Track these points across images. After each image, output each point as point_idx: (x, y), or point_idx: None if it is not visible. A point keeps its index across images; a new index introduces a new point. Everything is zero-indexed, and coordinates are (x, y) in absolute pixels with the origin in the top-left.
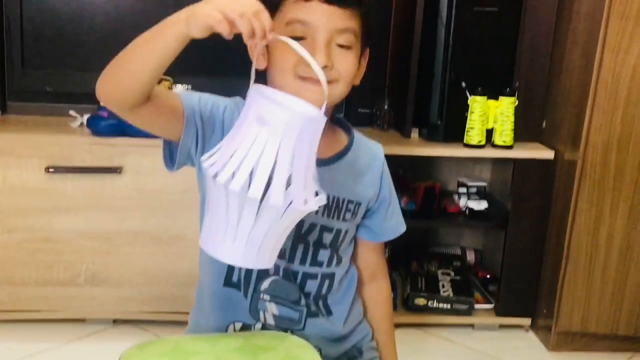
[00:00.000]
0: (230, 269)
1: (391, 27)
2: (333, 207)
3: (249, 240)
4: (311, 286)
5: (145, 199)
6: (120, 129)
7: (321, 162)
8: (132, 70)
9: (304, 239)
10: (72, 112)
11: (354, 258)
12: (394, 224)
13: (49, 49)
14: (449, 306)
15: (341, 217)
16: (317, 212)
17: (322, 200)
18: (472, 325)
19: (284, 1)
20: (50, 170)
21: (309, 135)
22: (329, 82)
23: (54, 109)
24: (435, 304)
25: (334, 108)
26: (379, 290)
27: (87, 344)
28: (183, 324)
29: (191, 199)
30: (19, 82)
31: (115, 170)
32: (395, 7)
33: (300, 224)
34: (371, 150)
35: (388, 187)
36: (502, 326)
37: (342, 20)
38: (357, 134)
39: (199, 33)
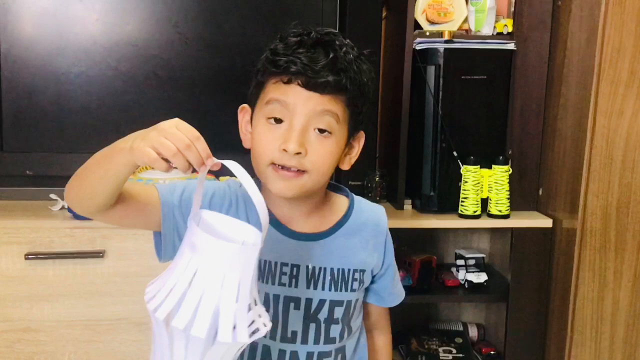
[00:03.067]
0: None
1: (379, 98)
2: (339, 279)
3: None
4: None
5: (128, 284)
6: None
7: (320, 236)
8: (91, 186)
9: (314, 318)
10: (52, 196)
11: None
12: (399, 290)
13: (29, 131)
14: None
15: (349, 288)
16: (324, 287)
17: (263, 323)
18: None
19: (267, 81)
20: (30, 256)
21: (241, 263)
22: (301, 172)
23: (34, 192)
24: None
25: (324, 188)
26: (378, 338)
27: None
28: None
29: None
30: None
31: (97, 254)
32: (383, 78)
33: (308, 303)
34: (375, 213)
35: (392, 250)
36: None
37: (321, 103)
38: (357, 197)
39: (141, 163)
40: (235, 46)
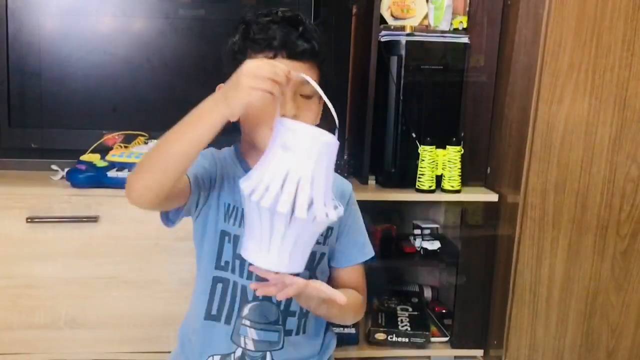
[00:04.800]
0: (210, 302)
1: (349, 85)
2: None
3: (281, 249)
4: (295, 305)
5: (120, 246)
6: (96, 180)
7: None
8: (171, 164)
9: None
10: (53, 166)
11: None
12: (359, 251)
13: (34, 109)
14: (407, 340)
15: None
16: None
17: (340, 212)
18: (429, 358)
19: (250, 58)
20: (32, 220)
21: (326, 157)
22: None
23: (38, 164)
24: (394, 338)
25: None
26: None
27: None
28: None
29: (164, 245)
30: (5, 139)
31: (92, 219)
32: (352, 68)
33: None
34: (343, 185)
35: (353, 217)
36: (457, 357)
37: (304, 72)
38: None
39: (240, 112)
40: (221, 34)
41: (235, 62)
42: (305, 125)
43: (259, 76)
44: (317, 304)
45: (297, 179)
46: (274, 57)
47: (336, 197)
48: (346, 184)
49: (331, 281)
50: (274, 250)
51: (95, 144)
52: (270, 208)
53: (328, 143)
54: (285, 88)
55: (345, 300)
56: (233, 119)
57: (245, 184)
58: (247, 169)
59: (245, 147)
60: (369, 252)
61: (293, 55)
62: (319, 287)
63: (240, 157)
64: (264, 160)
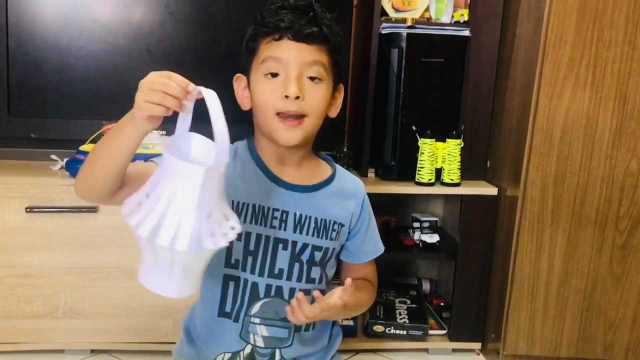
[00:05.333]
0: (223, 300)
1: (350, 78)
2: (321, 228)
3: (170, 276)
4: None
5: (119, 236)
6: None
7: (308, 189)
8: (103, 168)
9: (298, 258)
10: (53, 156)
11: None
12: (371, 249)
13: (34, 98)
14: (405, 332)
15: (328, 236)
16: (307, 233)
17: (235, 231)
18: (426, 350)
19: (259, 44)
20: (31, 210)
21: (209, 183)
22: (302, 116)
23: (37, 154)
24: (392, 331)
25: (313, 141)
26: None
27: None
28: (156, 353)
29: None
30: (5, 129)
31: (91, 209)
32: (353, 60)
33: (294, 245)
34: (355, 183)
35: (368, 215)
36: (454, 350)
37: (310, 53)
38: (339, 167)
39: (146, 124)
40: (220, 26)
41: (247, 50)
42: (202, 141)
43: (151, 89)
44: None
45: (172, 206)
46: (279, 39)
47: (346, 198)
48: (358, 186)
49: (343, 273)
50: (162, 278)
51: (95, 134)
52: (147, 239)
53: (207, 170)
54: (289, 69)
55: (349, 293)
56: (152, 127)
57: (126, 208)
58: (258, 162)
59: (258, 138)
60: (381, 247)
61: (299, 37)
62: (331, 304)
63: (254, 149)
64: (149, 183)
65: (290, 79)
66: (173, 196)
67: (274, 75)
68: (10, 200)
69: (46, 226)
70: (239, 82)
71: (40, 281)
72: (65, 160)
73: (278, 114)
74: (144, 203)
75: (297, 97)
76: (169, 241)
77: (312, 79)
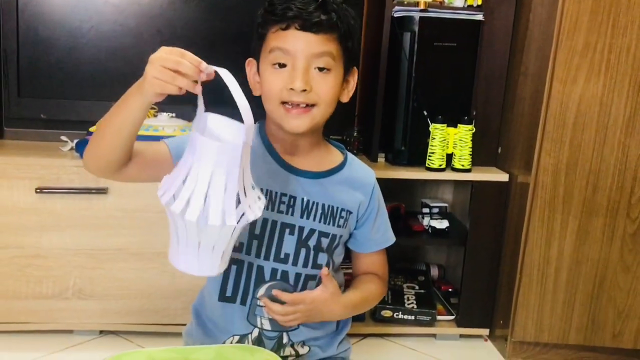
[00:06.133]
0: (224, 284)
1: (361, 62)
2: (328, 214)
3: (199, 253)
4: (312, 286)
5: (128, 218)
6: None
7: (316, 175)
8: (109, 141)
9: (305, 244)
10: (63, 137)
11: (353, 271)
12: (380, 237)
13: (44, 79)
14: (413, 317)
15: (336, 223)
16: (314, 219)
17: (256, 214)
18: (434, 335)
19: (267, 32)
20: (40, 191)
21: (228, 160)
22: (310, 105)
23: (47, 134)
24: (400, 316)
25: (322, 128)
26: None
27: (74, 354)
28: (164, 334)
29: None
30: (15, 110)
31: (101, 191)
32: (364, 44)
33: (301, 230)
34: (365, 172)
35: (377, 205)
36: (462, 336)
37: (318, 45)
38: (351, 155)
39: (154, 99)
40: (231, 8)
41: (257, 35)
42: (225, 120)
43: (163, 66)
44: (340, 314)
45: (204, 183)
46: (287, 28)
47: (356, 187)
48: (368, 175)
49: (353, 262)
50: (192, 256)
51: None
52: (180, 215)
53: (233, 147)
54: (296, 61)
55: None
56: (156, 101)
57: (161, 188)
58: (269, 147)
59: (268, 123)
60: (391, 237)
61: (306, 26)
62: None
63: (264, 134)
64: (179, 165)
65: (297, 72)
66: (212, 175)
67: (282, 65)
68: (20, 181)
69: (56, 207)
70: (250, 67)
71: (50, 262)
72: (75, 141)
73: (284, 103)
74: (182, 184)
75: (304, 90)
76: (220, 220)
77: (320, 69)
